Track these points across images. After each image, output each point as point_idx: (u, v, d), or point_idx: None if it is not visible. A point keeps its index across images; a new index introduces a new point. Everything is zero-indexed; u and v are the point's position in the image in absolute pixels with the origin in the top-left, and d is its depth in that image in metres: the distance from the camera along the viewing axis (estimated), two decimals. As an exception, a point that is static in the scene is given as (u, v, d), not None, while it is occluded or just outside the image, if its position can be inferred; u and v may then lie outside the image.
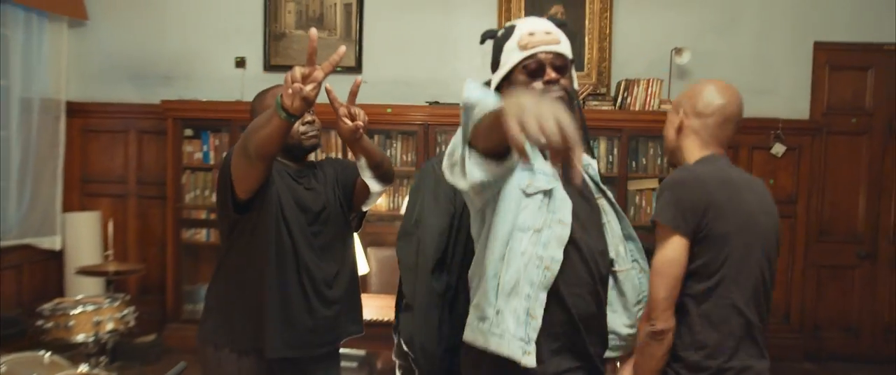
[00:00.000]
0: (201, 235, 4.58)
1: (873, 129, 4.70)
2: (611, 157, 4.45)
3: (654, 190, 4.44)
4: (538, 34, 1.58)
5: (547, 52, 1.57)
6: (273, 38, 4.71)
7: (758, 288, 1.78)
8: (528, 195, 1.50)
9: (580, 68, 4.64)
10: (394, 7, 4.71)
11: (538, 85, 1.56)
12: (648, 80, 4.39)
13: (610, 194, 1.73)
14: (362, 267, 3.59)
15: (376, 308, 3.51)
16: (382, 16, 4.70)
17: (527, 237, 1.48)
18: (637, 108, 4.38)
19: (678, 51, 4.47)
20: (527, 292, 1.47)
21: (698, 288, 1.75)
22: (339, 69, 4.79)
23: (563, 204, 1.52)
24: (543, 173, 1.53)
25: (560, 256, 1.49)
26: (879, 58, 4.67)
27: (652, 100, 4.38)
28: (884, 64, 4.67)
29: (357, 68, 4.68)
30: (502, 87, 1.62)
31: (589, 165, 1.73)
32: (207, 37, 4.75)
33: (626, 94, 4.41)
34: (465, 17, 4.67)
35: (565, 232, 1.50)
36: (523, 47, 1.57)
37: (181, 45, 4.77)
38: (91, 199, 4.79)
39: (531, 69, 1.56)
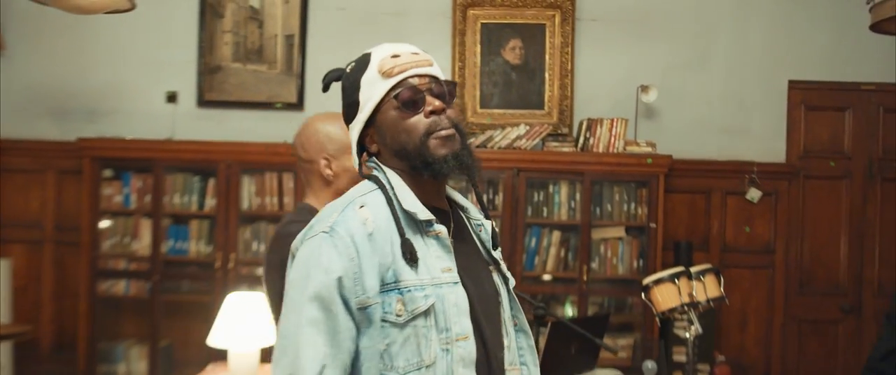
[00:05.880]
0: (120, 287, 4.13)
1: (853, 173, 4.40)
2: (573, 203, 4.09)
3: (620, 238, 4.09)
4: (404, 55, 1.23)
5: (420, 75, 1.22)
6: (208, 71, 4.33)
7: None
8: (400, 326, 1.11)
9: (540, 107, 4.31)
10: (339, 40, 4.36)
11: (421, 119, 1.19)
12: (613, 120, 4.06)
13: (503, 266, 1.31)
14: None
15: None
16: (326, 49, 4.33)
17: None
18: (601, 150, 4.04)
19: (644, 88, 4.16)
20: None
21: None
22: (279, 106, 4.45)
23: (458, 309, 1.13)
24: (420, 284, 1.12)
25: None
26: (857, 97, 4.39)
27: (616, 142, 4.04)
28: (862, 104, 4.40)
29: (299, 104, 4.30)
30: (368, 135, 1.25)
31: (481, 225, 1.31)
32: (136, 69, 4.36)
33: (588, 135, 4.08)
34: (417, 51, 4.35)
35: (471, 350, 1.13)
36: (388, 74, 1.22)
37: (107, 78, 4.37)
38: (1, 246, 4.34)
39: (405, 99, 1.19)
